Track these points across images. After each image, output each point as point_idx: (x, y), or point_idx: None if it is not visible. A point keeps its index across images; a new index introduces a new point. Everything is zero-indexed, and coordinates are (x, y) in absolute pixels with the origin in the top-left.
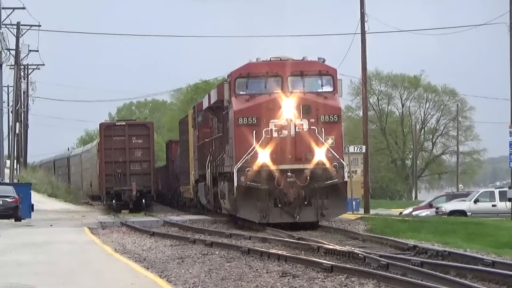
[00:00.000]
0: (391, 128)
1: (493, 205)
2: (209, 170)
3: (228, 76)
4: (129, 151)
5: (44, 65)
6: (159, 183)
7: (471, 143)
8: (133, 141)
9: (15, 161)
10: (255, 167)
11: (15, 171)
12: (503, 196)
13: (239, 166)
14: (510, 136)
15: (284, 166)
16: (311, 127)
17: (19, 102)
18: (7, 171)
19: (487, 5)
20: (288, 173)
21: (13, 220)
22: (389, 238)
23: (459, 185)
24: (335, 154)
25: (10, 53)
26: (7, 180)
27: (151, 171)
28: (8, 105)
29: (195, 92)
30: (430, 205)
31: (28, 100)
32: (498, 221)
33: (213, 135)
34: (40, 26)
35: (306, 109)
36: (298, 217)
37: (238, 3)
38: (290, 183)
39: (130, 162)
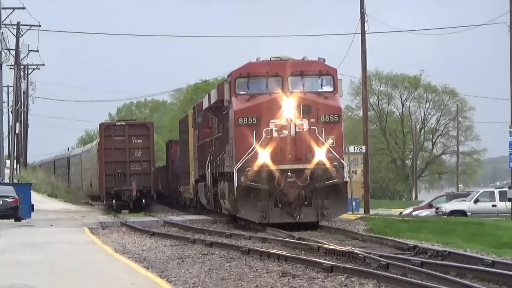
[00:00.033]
0: (391, 128)
1: (493, 205)
2: (209, 170)
3: (228, 76)
4: (129, 151)
5: (44, 65)
6: (159, 183)
7: (471, 143)
8: (133, 141)
9: (15, 161)
10: (255, 167)
11: (15, 171)
12: (503, 196)
13: (239, 166)
14: (510, 136)
15: (284, 166)
16: (311, 127)
17: (19, 102)
18: (7, 171)
19: (487, 5)
20: (288, 173)
21: (13, 220)
22: (389, 238)
23: (459, 185)
24: (335, 154)
25: (10, 53)
26: (7, 180)
27: (151, 171)
28: (8, 105)
29: (195, 92)
30: (430, 205)
31: (28, 100)
32: (498, 221)
33: (213, 135)
34: (40, 26)
35: (306, 109)
36: (298, 217)
37: (238, 3)
38: (290, 183)
39: (130, 162)
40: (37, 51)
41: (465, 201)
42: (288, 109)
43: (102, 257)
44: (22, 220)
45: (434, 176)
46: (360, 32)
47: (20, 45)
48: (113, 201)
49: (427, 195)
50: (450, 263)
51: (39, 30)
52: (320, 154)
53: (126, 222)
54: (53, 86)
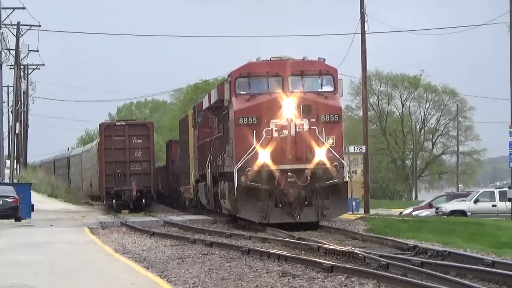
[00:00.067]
0: (391, 128)
1: (493, 205)
2: (209, 170)
3: (228, 76)
4: (129, 151)
5: (44, 65)
6: (159, 183)
7: (471, 143)
8: (133, 141)
9: (15, 161)
10: (256, 167)
11: (15, 171)
12: (503, 196)
13: (239, 166)
14: (510, 136)
15: (284, 166)
16: (312, 127)
17: (19, 102)
18: (7, 171)
19: (486, 5)
20: (289, 173)
21: (13, 220)
22: (389, 238)
23: (459, 185)
24: (336, 154)
25: (10, 53)
26: (7, 180)
27: (151, 171)
28: (8, 105)
29: (195, 92)
30: (430, 205)
31: (28, 100)
32: (498, 221)
33: (213, 135)
34: (40, 26)
35: (306, 109)
36: (298, 217)
37: (238, 3)
38: (290, 183)
39: (130, 162)
40: (37, 51)
41: (465, 201)
42: (288, 109)
43: (102, 257)
44: (22, 220)
45: (434, 176)
46: (360, 32)
47: (20, 45)
48: (113, 201)
49: (427, 195)
50: (450, 263)
51: (39, 30)
52: (321, 154)
53: (126, 222)
54: (53, 86)
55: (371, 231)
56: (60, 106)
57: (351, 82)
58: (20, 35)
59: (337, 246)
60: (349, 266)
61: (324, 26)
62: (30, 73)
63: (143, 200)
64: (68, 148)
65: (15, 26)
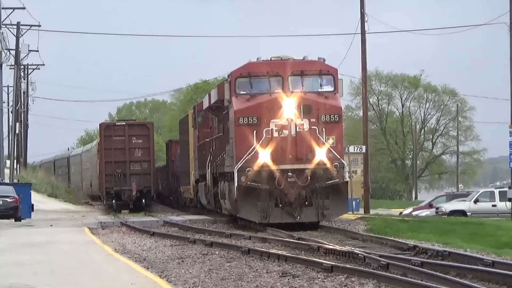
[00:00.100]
0: (391, 128)
1: (493, 205)
2: (209, 170)
3: (228, 76)
4: (129, 151)
5: (44, 65)
6: (159, 183)
7: (471, 143)
8: (133, 141)
9: (15, 161)
10: (256, 167)
11: (15, 171)
12: (503, 196)
13: (239, 166)
14: (510, 136)
15: (284, 166)
16: (312, 127)
17: (19, 102)
18: (7, 171)
19: (486, 5)
20: (289, 173)
21: (13, 220)
22: (389, 238)
23: (459, 185)
24: (336, 154)
25: (10, 53)
26: (7, 180)
27: (151, 171)
28: (8, 105)
29: (195, 92)
30: (430, 205)
31: (28, 100)
32: (498, 221)
33: (213, 135)
34: (40, 26)
35: (306, 109)
36: (298, 217)
37: (238, 3)
38: (290, 183)
39: (130, 162)
40: (37, 51)
41: (465, 201)
42: (289, 109)
43: (102, 257)
44: (22, 220)
45: (434, 176)
46: (360, 32)
47: (20, 45)
48: (113, 201)
49: (427, 195)
50: (450, 263)
51: (39, 30)
52: (321, 154)
53: (126, 222)
54: (53, 86)
55: (371, 231)
56: (60, 106)
57: (351, 82)
58: (20, 35)
59: (337, 246)
60: (349, 266)
61: (324, 26)
62: (30, 73)
63: (143, 200)
64: (68, 148)
65: (15, 26)
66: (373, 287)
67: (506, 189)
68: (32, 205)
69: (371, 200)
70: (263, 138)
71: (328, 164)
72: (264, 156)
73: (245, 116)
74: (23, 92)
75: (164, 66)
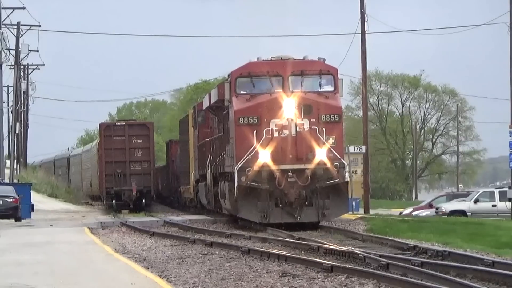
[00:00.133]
0: (391, 128)
1: (493, 205)
2: (209, 170)
3: (228, 76)
4: (129, 151)
5: (44, 65)
6: (159, 183)
7: (471, 143)
8: (133, 141)
9: (15, 161)
10: (256, 167)
11: (15, 171)
12: (503, 196)
13: (239, 166)
14: (510, 136)
15: (285, 166)
16: (312, 126)
17: (19, 102)
18: (7, 171)
19: (486, 5)
20: (289, 173)
21: (13, 220)
22: (389, 238)
23: (459, 185)
24: (336, 154)
25: (10, 53)
26: (7, 180)
27: (151, 171)
28: (8, 105)
29: (195, 92)
30: (430, 205)
31: (28, 100)
32: (498, 221)
33: (214, 135)
34: (40, 26)
35: (307, 109)
36: (299, 217)
37: (238, 3)
38: (291, 183)
39: (130, 162)
40: (37, 51)
41: (465, 201)
42: (289, 109)
43: (102, 257)
44: (22, 220)
45: (434, 176)
46: (360, 32)
47: (20, 45)
48: (113, 201)
49: (427, 195)
50: (450, 263)
51: (39, 30)
52: (321, 154)
53: (126, 222)
54: (53, 86)
55: (371, 231)
56: (60, 106)
57: (351, 82)
58: (20, 35)
59: (337, 246)
60: (349, 266)
61: (324, 26)
62: (30, 73)
63: (143, 200)
64: (68, 148)
65: (15, 26)
66: (373, 287)
67: (506, 189)
68: (32, 205)
69: (371, 200)
70: (263, 138)
71: (329, 164)
72: (264, 156)
73: (245, 116)
74: (23, 92)
75: (164, 66)
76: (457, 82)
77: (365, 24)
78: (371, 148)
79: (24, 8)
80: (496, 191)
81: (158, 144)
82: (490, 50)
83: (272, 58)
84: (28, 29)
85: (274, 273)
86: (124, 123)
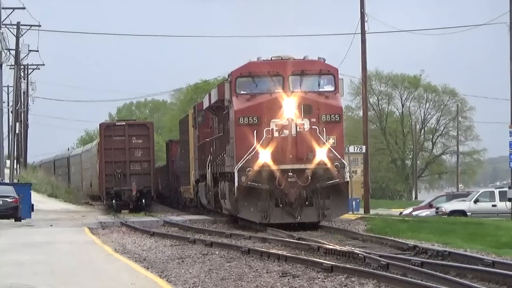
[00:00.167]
0: (391, 128)
1: (493, 205)
2: (209, 170)
3: (228, 76)
4: (129, 151)
5: (44, 65)
6: (159, 183)
7: (471, 143)
8: (133, 141)
9: (15, 161)
10: (256, 167)
11: (15, 171)
12: (503, 196)
13: (240, 166)
14: (510, 136)
15: (285, 166)
16: (312, 126)
17: (19, 102)
18: (7, 171)
19: (486, 5)
20: (289, 173)
21: (13, 220)
22: (389, 238)
23: (459, 185)
24: (337, 154)
25: (10, 53)
26: (7, 180)
27: (151, 171)
28: (8, 105)
29: (195, 92)
30: (430, 205)
31: (28, 100)
32: (498, 221)
33: (214, 135)
34: (40, 26)
35: (307, 109)
36: (299, 217)
37: (238, 3)
38: (291, 183)
39: (130, 162)
40: (37, 51)
41: (465, 201)
42: (289, 109)
43: (102, 257)
44: (22, 220)
45: (434, 176)
46: (360, 32)
47: (20, 45)
48: (113, 201)
49: (427, 195)
50: (450, 263)
51: (39, 30)
52: (321, 154)
53: (126, 222)
54: (53, 86)
55: (371, 231)
56: (60, 106)
57: (351, 82)
58: (20, 35)
59: (337, 246)
60: (349, 266)
61: (324, 26)
62: (30, 73)
63: (143, 200)
64: (68, 148)
65: (15, 26)
66: (373, 287)
67: (506, 189)
68: (32, 205)
69: (371, 200)
70: (263, 138)
71: (329, 164)
72: (264, 156)
73: (246, 116)
74: (23, 92)
75: (164, 66)
76: (457, 82)
77: (365, 24)
78: (371, 148)
79: (24, 8)
80: (496, 191)
81: (158, 144)
82: (490, 50)
83: (272, 58)
84: (28, 29)
85: (274, 273)
86: (124, 123)
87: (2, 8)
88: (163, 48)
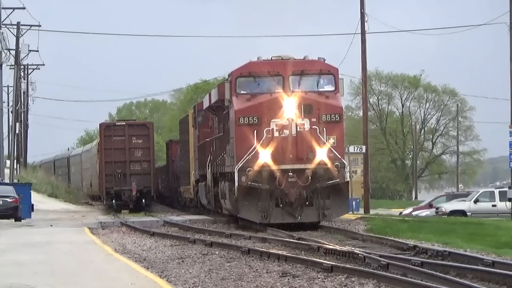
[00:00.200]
0: (391, 128)
1: (493, 205)
2: (209, 170)
3: (228, 76)
4: (129, 151)
5: (44, 65)
6: (159, 183)
7: (471, 143)
8: (133, 141)
9: (15, 161)
10: (256, 167)
11: (15, 171)
12: (503, 196)
13: (240, 166)
14: (510, 136)
15: (285, 166)
16: (313, 126)
17: (19, 102)
18: (7, 171)
19: (486, 5)
20: (290, 173)
21: (13, 220)
22: (389, 238)
23: (459, 185)
24: (337, 154)
25: (10, 53)
26: (7, 180)
27: (151, 171)
28: (8, 105)
29: (195, 92)
30: (430, 205)
31: (28, 100)
32: (498, 221)
33: (214, 135)
34: (40, 26)
35: (307, 109)
36: (299, 217)
37: (238, 2)
38: (291, 183)
39: (130, 162)
40: (37, 51)
41: (465, 201)
42: (289, 109)
43: (102, 257)
44: (22, 220)
45: (434, 176)
46: (360, 32)
47: (20, 45)
48: (113, 201)
49: (427, 195)
50: (450, 263)
51: (39, 30)
52: (321, 154)
53: (126, 222)
54: (53, 86)
55: (371, 231)
56: (60, 106)
57: (351, 82)
58: (20, 35)
59: (337, 246)
60: (349, 266)
61: (324, 25)
62: (30, 73)
63: (143, 200)
64: (68, 148)
65: (15, 26)
66: (373, 287)
67: (506, 189)
68: (32, 205)
69: (371, 200)
70: (263, 138)
71: (329, 164)
72: (264, 156)
73: (246, 116)
74: (23, 92)
75: (164, 66)
76: (457, 82)
77: (365, 24)
78: (371, 148)
79: (24, 8)
80: (496, 191)
81: (158, 144)
82: (490, 50)
83: (273, 58)
84: (28, 29)
85: (274, 273)
86: (124, 123)
87: (2, 8)
88: (163, 48)
